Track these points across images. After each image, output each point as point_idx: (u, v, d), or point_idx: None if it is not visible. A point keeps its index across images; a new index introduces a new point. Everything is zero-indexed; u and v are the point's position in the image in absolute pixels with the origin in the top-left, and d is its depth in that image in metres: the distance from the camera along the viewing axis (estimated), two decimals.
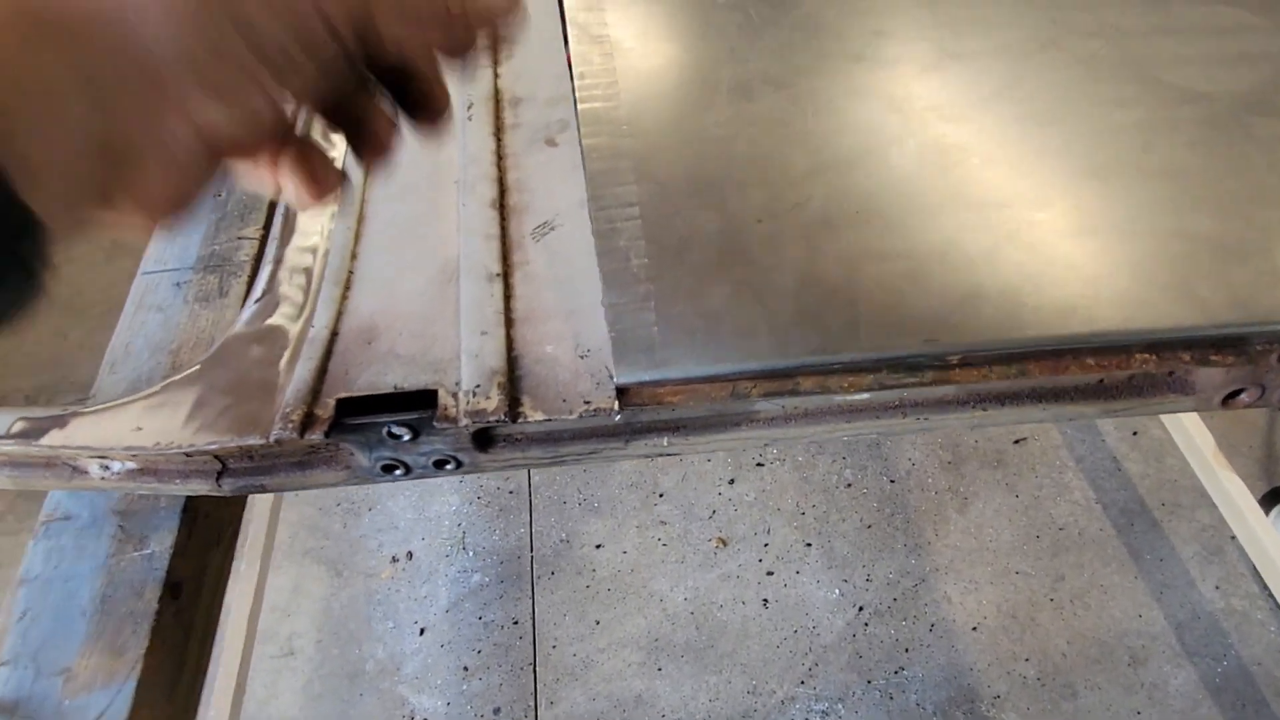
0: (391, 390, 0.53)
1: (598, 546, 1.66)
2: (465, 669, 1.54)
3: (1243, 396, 0.53)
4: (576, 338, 0.54)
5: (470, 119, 0.67)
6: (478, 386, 0.52)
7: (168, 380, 0.56)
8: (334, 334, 0.56)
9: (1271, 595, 1.48)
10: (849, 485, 1.71)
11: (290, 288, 0.61)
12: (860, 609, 1.55)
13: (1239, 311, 0.49)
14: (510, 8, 0.34)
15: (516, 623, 1.59)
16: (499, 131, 0.67)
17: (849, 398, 0.51)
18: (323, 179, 0.33)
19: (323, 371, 0.54)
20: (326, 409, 0.52)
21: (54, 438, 0.54)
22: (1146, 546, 1.59)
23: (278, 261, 0.63)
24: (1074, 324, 0.49)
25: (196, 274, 0.76)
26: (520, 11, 0.34)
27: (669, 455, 0.57)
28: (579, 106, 0.61)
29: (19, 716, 0.53)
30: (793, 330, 0.50)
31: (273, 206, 0.78)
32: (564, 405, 0.51)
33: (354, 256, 0.61)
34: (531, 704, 1.50)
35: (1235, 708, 1.40)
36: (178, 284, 0.75)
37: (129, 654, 0.55)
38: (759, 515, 1.67)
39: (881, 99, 0.60)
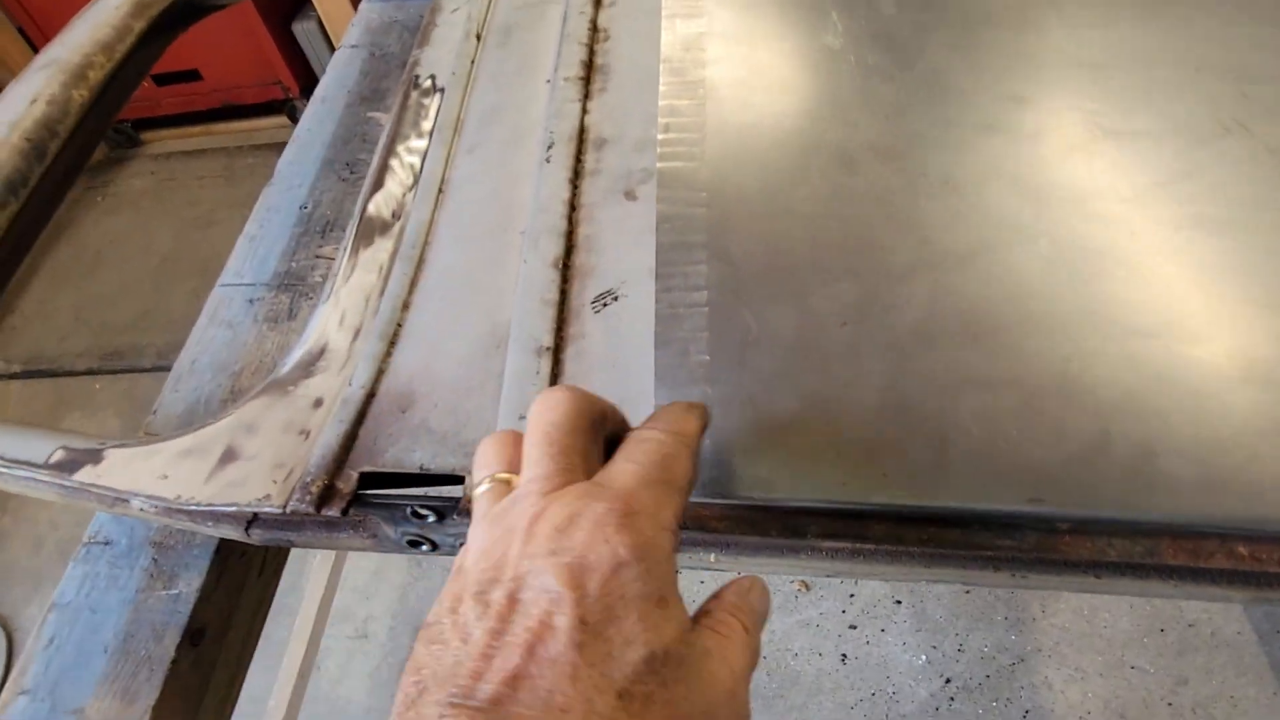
0: (417, 471, 0.49)
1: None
2: None
3: None
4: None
5: (549, 160, 0.62)
6: None
7: (200, 427, 0.54)
8: (370, 395, 0.53)
9: None
10: None
11: (339, 334, 0.57)
12: (948, 680, 1.43)
13: None
14: None
15: None
16: (577, 177, 0.61)
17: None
18: None
19: (351, 437, 0.51)
20: (349, 482, 0.49)
21: (86, 473, 0.53)
22: None
23: (333, 302, 0.60)
24: (1226, 503, 0.39)
25: (270, 291, 0.75)
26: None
27: (716, 571, 0.51)
28: (659, 164, 0.54)
29: None
30: (867, 464, 0.42)
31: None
32: None
33: (406, 307, 0.57)
34: None
35: None
36: (250, 300, 0.74)
37: (140, 702, 0.54)
38: None
39: (1013, 183, 0.50)
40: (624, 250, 0.56)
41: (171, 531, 0.61)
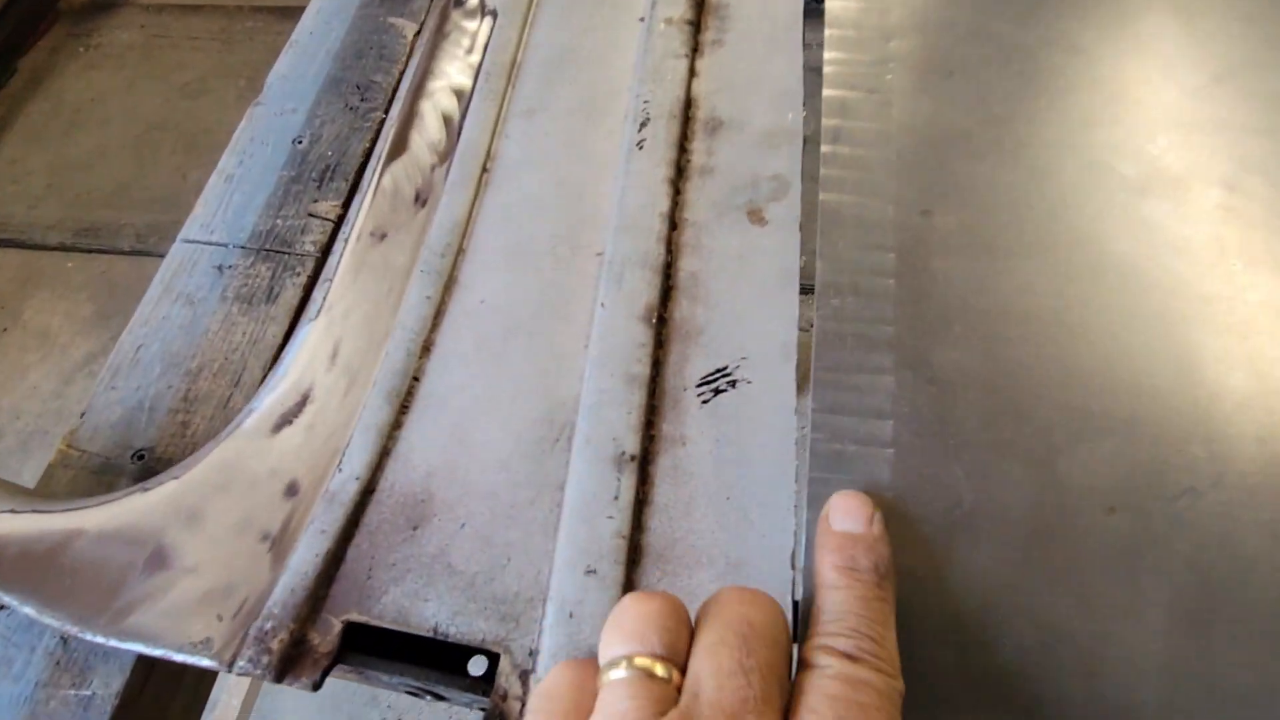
0: (430, 635, 0.33)
1: None
2: None
3: None
4: None
5: (640, 146, 0.44)
6: None
7: (118, 498, 0.38)
8: (368, 490, 0.36)
9: None
10: None
11: (329, 376, 0.40)
12: None
13: None
14: None
15: None
16: (680, 176, 0.43)
17: None
18: None
19: (336, 559, 0.35)
20: (328, 636, 0.33)
21: None
22: None
23: (324, 322, 0.42)
24: None
25: (246, 258, 0.57)
26: None
27: None
28: (821, 196, 0.36)
29: None
30: None
31: (360, 174, 0.58)
32: None
33: (426, 351, 0.40)
34: None
35: None
36: (219, 268, 0.56)
37: None
38: None
39: None
40: (745, 305, 0.39)
41: None
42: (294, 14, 0.71)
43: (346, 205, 0.57)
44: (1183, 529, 0.29)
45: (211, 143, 2.14)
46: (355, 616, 0.33)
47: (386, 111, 0.61)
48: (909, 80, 0.40)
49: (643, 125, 0.45)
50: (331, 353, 0.41)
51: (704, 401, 0.36)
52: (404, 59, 0.64)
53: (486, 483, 0.35)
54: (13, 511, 0.38)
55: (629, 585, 0.33)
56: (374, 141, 0.59)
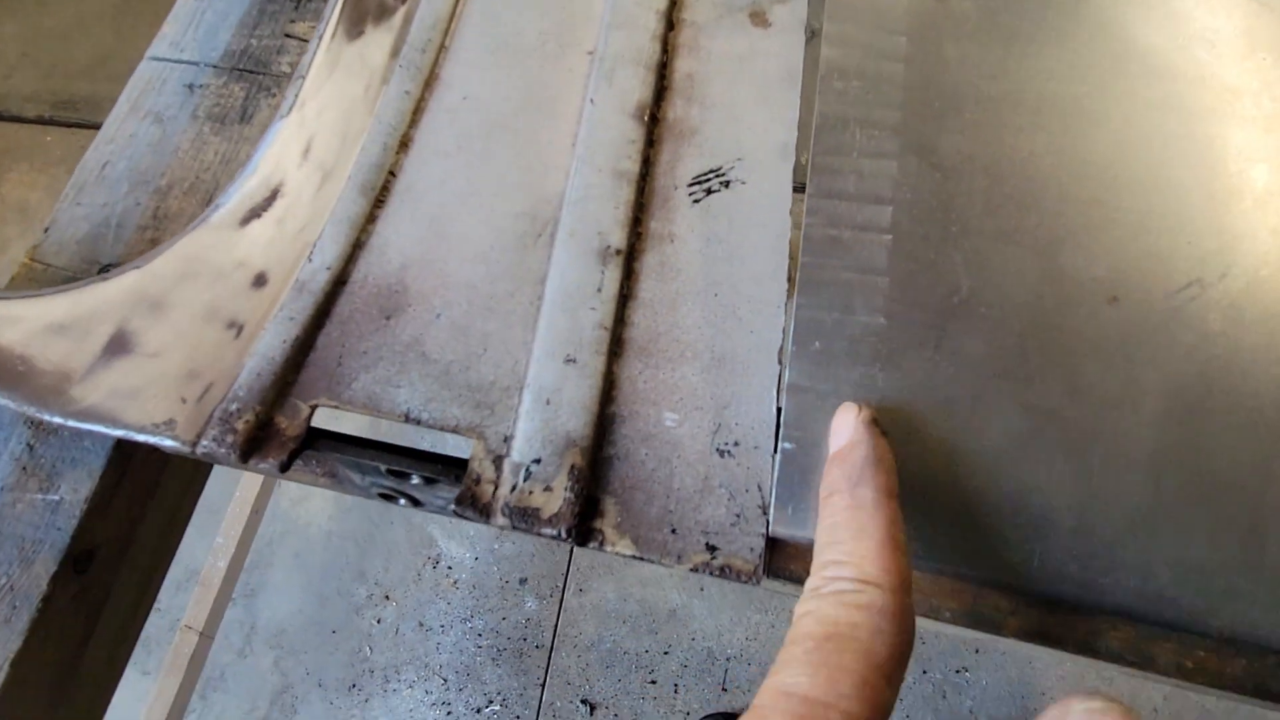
0: (403, 417, 0.32)
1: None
2: (501, 529, 1.44)
3: None
4: (721, 412, 0.31)
5: None
6: (536, 463, 0.30)
7: (82, 286, 0.36)
8: (339, 281, 0.35)
9: None
10: None
11: (301, 171, 0.38)
12: None
13: None
14: None
15: None
16: None
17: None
18: None
19: (305, 347, 0.33)
20: (295, 420, 0.32)
21: None
22: None
23: (296, 119, 0.40)
24: None
25: (219, 77, 0.54)
26: None
27: None
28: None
29: None
30: (1128, 537, 0.26)
31: None
32: (668, 542, 0.29)
33: (404, 146, 0.38)
34: (560, 585, 1.40)
35: None
36: (190, 86, 0.53)
37: None
38: None
39: None
40: (744, 106, 0.36)
41: None
42: None
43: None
44: (1185, 320, 0.28)
45: None
46: (325, 402, 0.32)
47: None
48: None
49: None
50: (304, 149, 0.39)
51: (695, 200, 0.35)
52: None
53: (464, 275, 0.34)
54: None
55: (609, 376, 0.32)
56: None
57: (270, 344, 0.33)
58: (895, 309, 0.29)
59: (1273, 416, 0.27)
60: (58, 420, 0.33)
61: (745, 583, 0.29)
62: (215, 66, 0.55)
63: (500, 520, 0.29)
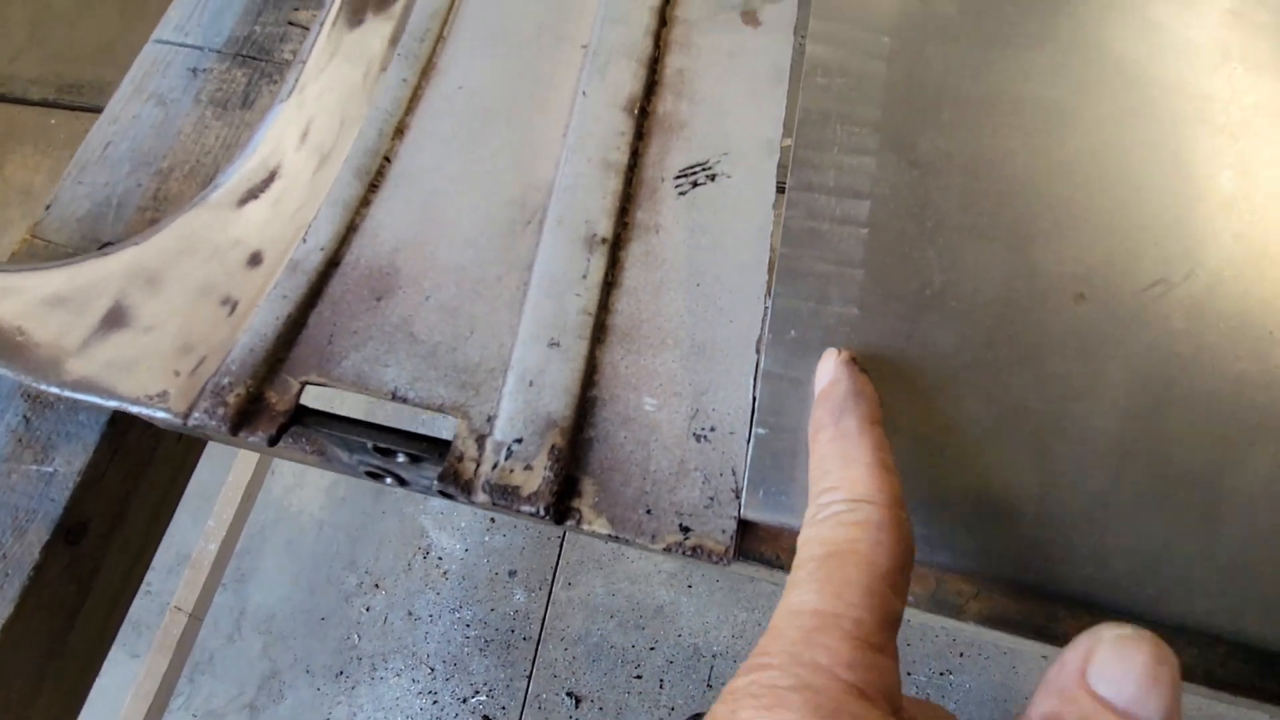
0: (390, 395, 0.33)
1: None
2: (492, 521, 1.45)
3: None
4: (699, 398, 0.32)
5: None
6: (517, 442, 0.31)
7: (81, 260, 0.37)
8: (332, 263, 0.35)
9: None
10: None
11: (298, 155, 0.39)
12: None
13: None
14: None
15: None
16: None
17: None
18: None
19: (297, 325, 0.34)
20: (285, 395, 0.33)
21: None
22: None
23: (295, 102, 0.41)
24: None
25: (222, 62, 0.55)
26: None
27: None
28: None
29: None
30: (1085, 526, 0.27)
31: None
32: (643, 522, 0.30)
33: (400, 133, 0.38)
34: (549, 578, 1.41)
35: None
36: (194, 70, 0.54)
37: None
38: None
39: None
40: (732, 102, 0.37)
41: None
42: None
43: None
44: (1149, 318, 0.29)
45: None
46: (314, 378, 0.33)
47: None
48: None
49: None
50: (302, 132, 0.40)
51: (681, 193, 0.36)
52: None
53: (454, 259, 0.35)
54: None
55: (591, 360, 0.32)
56: None
57: (263, 321, 0.34)
58: (870, 300, 0.29)
59: (1229, 412, 0.28)
60: (54, 390, 0.34)
61: (716, 564, 0.30)
62: (219, 52, 0.55)
63: (481, 497, 0.30)
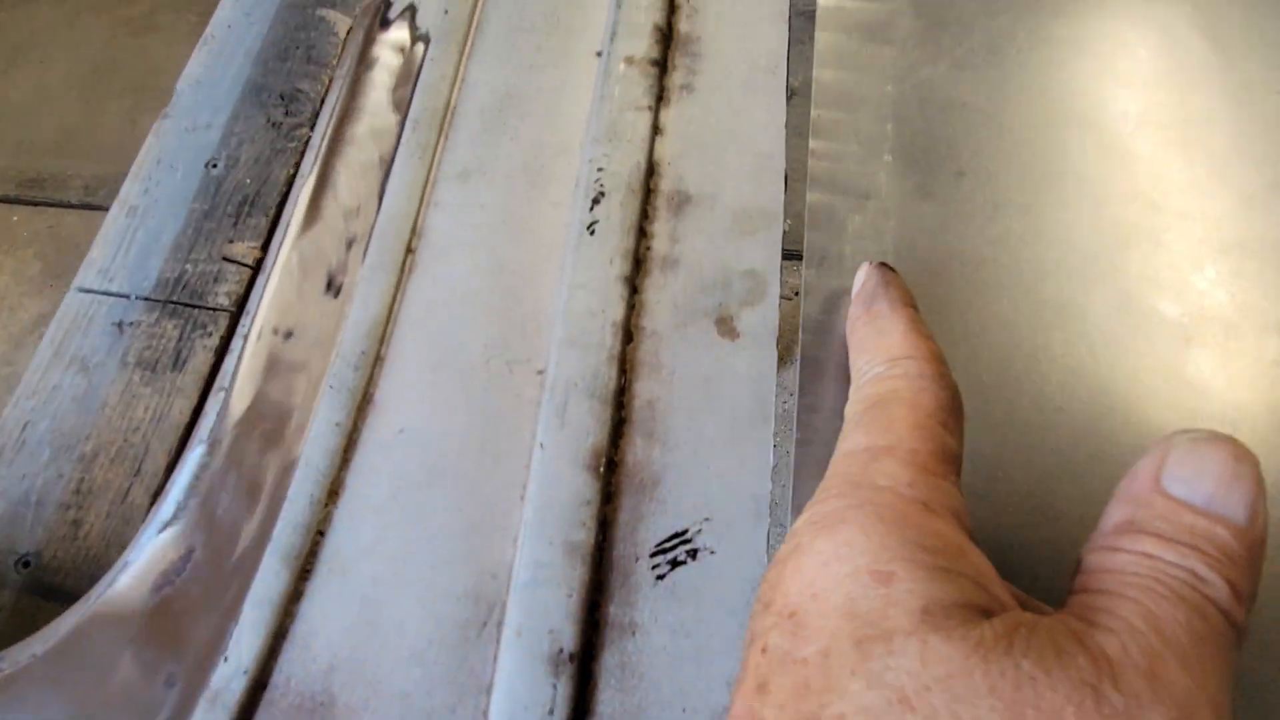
0: None
1: None
2: None
3: None
4: None
5: (591, 232, 0.37)
6: None
7: None
8: (258, 686, 0.30)
9: None
10: None
11: (226, 510, 0.34)
12: None
13: None
14: None
15: None
16: (636, 271, 0.36)
17: None
18: None
19: None
20: None
21: None
22: None
23: (215, 448, 0.36)
24: None
25: (150, 312, 0.50)
26: None
27: None
28: (805, 272, 0.30)
29: None
30: None
31: (280, 208, 0.51)
32: None
33: (332, 497, 0.33)
34: None
35: None
36: (119, 325, 0.50)
37: None
38: None
39: None
40: (710, 445, 0.32)
41: None
42: None
43: (265, 246, 0.50)
44: None
45: (162, 85, 2.00)
46: None
47: (312, 127, 0.53)
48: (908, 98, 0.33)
49: (595, 202, 0.37)
50: (223, 486, 0.35)
51: (659, 577, 0.31)
52: (334, 61, 0.56)
53: (399, 681, 0.30)
54: None
55: None
56: (298, 165, 0.52)
57: None
58: None
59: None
60: None
61: None
62: (147, 299, 0.51)
63: None
